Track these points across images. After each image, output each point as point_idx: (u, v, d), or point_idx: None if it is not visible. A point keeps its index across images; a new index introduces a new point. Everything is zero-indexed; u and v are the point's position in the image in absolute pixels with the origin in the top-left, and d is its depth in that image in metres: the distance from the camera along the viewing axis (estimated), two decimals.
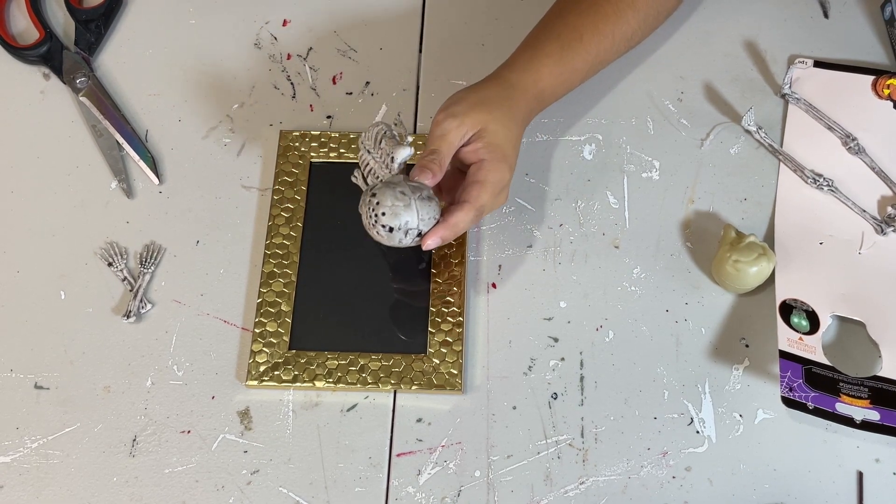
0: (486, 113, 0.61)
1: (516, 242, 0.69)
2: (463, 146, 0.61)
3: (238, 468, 0.61)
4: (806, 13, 0.79)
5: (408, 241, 0.58)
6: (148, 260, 0.68)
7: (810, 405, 0.60)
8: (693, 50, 0.77)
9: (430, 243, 0.59)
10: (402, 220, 0.57)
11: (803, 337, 0.63)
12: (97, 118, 0.73)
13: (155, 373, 0.64)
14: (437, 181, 0.59)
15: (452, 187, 0.63)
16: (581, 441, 0.61)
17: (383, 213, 0.57)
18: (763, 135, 0.72)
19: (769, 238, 0.68)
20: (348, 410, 0.63)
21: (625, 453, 0.61)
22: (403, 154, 0.59)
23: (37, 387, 0.64)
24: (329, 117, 0.74)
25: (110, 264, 0.68)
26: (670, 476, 0.60)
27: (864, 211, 0.68)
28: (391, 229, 0.57)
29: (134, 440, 0.62)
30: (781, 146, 0.72)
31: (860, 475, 0.60)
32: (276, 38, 0.78)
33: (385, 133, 0.61)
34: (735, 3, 0.80)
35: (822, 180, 0.69)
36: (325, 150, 0.71)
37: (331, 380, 0.62)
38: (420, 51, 0.78)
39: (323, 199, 0.69)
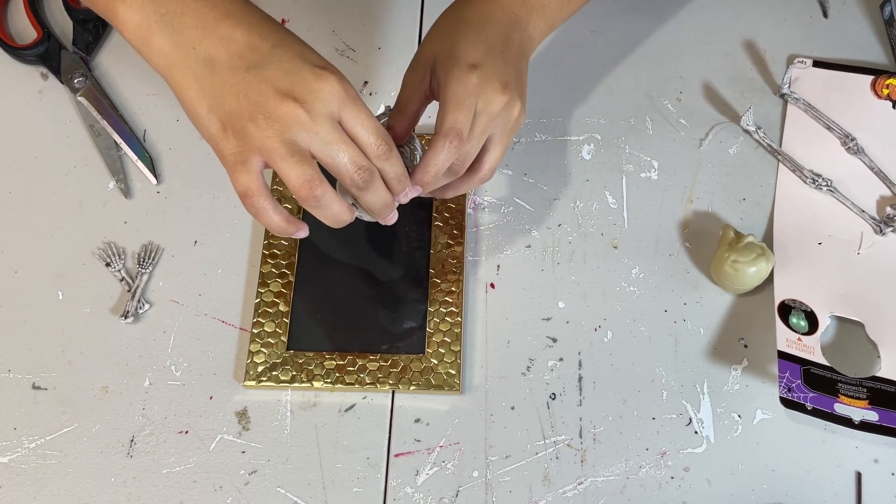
0: (432, 40, 0.56)
1: (515, 243, 0.68)
2: (436, 87, 0.55)
3: (236, 468, 0.61)
4: (805, 13, 0.79)
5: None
6: (146, 260, 0.67)
7: (809, 406, 0.60)
8: (692, 49, 0.77)
9: (409, 193, 0.54)
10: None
11: (802, 337, 0.63)
12: (95, 118, 0.73)
13: (153, 373, 0.64)
14: (399, 129, 0.56)
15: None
16: (579, 441, 0.61)
17: (347, 196, 0.54)
18: (762, 135, 0.72)
19: (768, 238, 0.68)
20: (346, 411, 0.63)
21: (623, 454, 0.61)
22: None
23: (35, 387, 0.64)
24: None
25: (108, 264, 0.67)
26: (669, 476, 0.60)
27: (863, 211, 0.68)
28: (354, 205, 0.55)
29: (132, 440, 0.62)
30: (780, 146, 0.72)
31: (858, 476, 0.60)
32: None
33: None
34: (734, 2, 0.80)
35: (820, 180, 0.69)
36: None
37: (329, 380, 0.62)
38: None
39: None
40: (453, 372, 0.62)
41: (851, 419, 0.59)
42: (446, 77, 0.53)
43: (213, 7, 0.48)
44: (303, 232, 0.53)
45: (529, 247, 0.68)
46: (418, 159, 0.57)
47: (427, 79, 0.56)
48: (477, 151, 0.55)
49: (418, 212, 0.68)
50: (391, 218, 0.55)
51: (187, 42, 0.47)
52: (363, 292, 0.66)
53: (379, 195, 0.52)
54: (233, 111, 0.47)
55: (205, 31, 0.47)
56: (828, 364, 0.61)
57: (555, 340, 0.65)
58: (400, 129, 0.57)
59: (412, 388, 0.62)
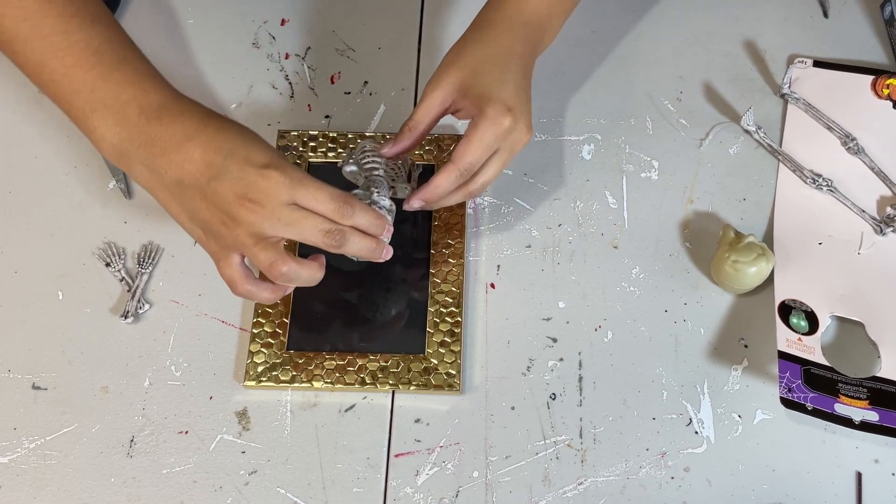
0: (463, 68, 0.59)
1: (515, 242, 0.68)
2: (457, 112, 0.60)
3: (236, 468, 0.61)
4: (806, 13, 0.79)
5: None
6: (146, 260, 0.67)
7: (809, 406, 0.60)
8: (692, 50, 0.77)
9: (412, 204, 0.60)
10: None
11: (802, 337, 0.63)
12: None
13: (153, 373, 0.64)
14: (402, 147, 0.60)
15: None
16: (580, 442, 0.61)
17: None
18: (762, 135, 0.72)
19: (768, 238, 0.68)
20: (346, 411, 0.63)
21: (623, 454, 0.61)
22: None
23: (35, 387, 0.63)
24: (327, 117, 0.74)
25: (108, 264, 0.67)
26: (669, 476, 0.60)
27: (864, 211, 0.68)
28: None
29: (132, 441, 0.62)
30: (781, 146, 0.72)
31: (859, 476, 0.60)
32: (274, 38, 0.78)
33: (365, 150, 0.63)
34: (735, 2, 0.80)
35: (821, 180, 0.69)
36: (324, 149, 0.71)
37: (329, 380, 0.62)
38: (419, 50, 0.78)
39: None
40: (453, 372, 0.62)
41: (852, 419, 0.59)
42: (482, 114, 0.58)
43: (174, 134, 0.54)
44: (288, 290, 0.59)
45: (529, 247, 0.68)
46: (406, 172, 0.63)
47: (447, 103, 0.60)
48: (491, 179, 0.60)
49: (418, 212, 0.68)
50: (385, 255, 0.58)
51: (159, 168, 0.54)
52: (363, 292, 0.66)
53: (358, 246, 0.56)
54: (206, 220, 0.54)
55: (171, 157, 0.53)
56: (828, 364, 0.61)
57: (555, 340, 0.65)
58: (409, 144, 0.60)
59: (412, 388, 0.62)
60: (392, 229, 0.59)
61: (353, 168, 0.63)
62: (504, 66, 0.60)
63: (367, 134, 0.72)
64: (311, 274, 0.56)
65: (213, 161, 0.53)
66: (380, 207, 0.59)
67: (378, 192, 0.60)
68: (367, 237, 0.56)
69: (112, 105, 0.54)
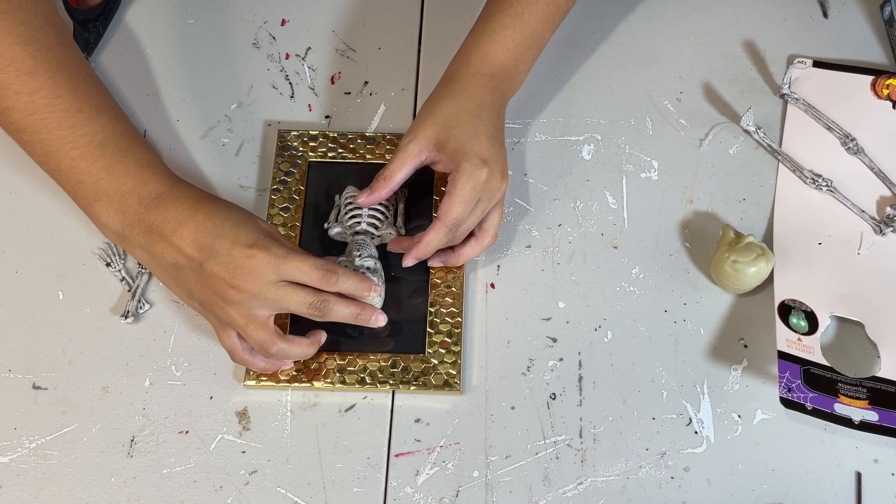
0: (436, 123, 0.62)
1: (515, 243, 0.69)
2: (434, 164, 0.62)
3: (236, 468, 0.61)
4: (805, 13, 0.79)
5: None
6: None
7: (809, 406, 0.60)
8: (692, 50, 0.77)
9: (407, 262, 0.63)
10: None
11: (802, 337, 0.63)
12: None
13: (153, 373, 0.64)
14: (377, 197, 0.62)
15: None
16: (579, 441, 0.61)
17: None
18: (762, 135, 0.72)
19: (768, 238, 0.68)
20: (346, 411, 0.63)
21: (623, 454, 0.61)
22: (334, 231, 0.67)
23: (35, 387, 0.64)
24: (327, 117, 0.74)
25: (109, 264, 0.67)
26: (669, 476, 0.60)
27: (863, 211, 0.68)
28: None
29: (132, 440, 0.62)
30: (780, 146, 0.72)
31: (858, 476, 0.60)
32: (274, 38, 0.78)
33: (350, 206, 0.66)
34: (734, 2, 0.80)
35: (820, 180, 0.69)
36: (324, 149, 0.71)
37: (329, 380, 0.62)
38: (419, 50, 0.78)
39: (321, 199, 0.69)
40: (453, 372, 0.62)
41: (851, 419, 0.59)
42: (459, 169, 0.60)
43: (168, 220, 0.57)
44: (285, 366, 0.62)
45: (529, 247, 0.68)
46: (392, 212, 0.66)
47: (423, 155, 0.62)
48: (473, 227, 0.63)
49: (418, 212, 0.68)
50: (374, 321, 0.60)
51: (156, 252, 0.58)
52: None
53: (342, 313, 0.59)
54: (202, 300, 0.58)
55: (167, 243, 0.57)
56: (828, 364, 0.61)
57: (555, 340, 0.65)
58: (384, 194, 0.62)
59: (412, 388, 0.62)
60: (381, 288, 0.61)
61: (339, 229, 0.66)
62: (476, 119, 0.62)
63: (367, 134, 0.72)
64: (301, 351, 0.60)
65: (203, 245, 0.56)
66: (364, 270, 0.62)
67: (360, 256, 0.62)
68: (351, 304, 0.59)
69: (114, 196, 0.58)
